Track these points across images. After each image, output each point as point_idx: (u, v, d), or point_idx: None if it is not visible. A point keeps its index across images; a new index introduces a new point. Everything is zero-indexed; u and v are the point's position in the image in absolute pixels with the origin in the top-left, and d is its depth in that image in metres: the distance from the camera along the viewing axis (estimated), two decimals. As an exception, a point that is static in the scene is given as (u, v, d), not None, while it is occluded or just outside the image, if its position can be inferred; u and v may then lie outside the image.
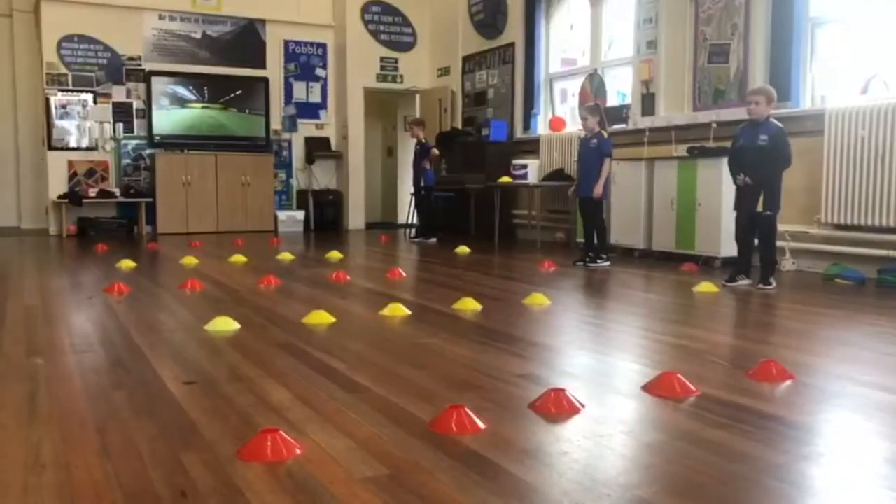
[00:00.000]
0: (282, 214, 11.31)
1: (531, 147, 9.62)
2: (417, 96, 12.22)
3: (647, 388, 2.73)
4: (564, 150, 9.00)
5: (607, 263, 6.70)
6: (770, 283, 5.32)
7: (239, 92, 11.22)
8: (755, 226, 5.42)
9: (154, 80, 10.73)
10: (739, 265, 5.53)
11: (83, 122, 10.52)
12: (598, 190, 6.64)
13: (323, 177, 11.83)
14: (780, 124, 5.35)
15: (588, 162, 6.76)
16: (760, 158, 5.28)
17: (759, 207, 5.30)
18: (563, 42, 9.72)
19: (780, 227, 6.50)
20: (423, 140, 9.85)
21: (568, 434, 2.29)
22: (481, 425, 2.28)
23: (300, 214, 11.41)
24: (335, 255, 7.50)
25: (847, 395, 2.80)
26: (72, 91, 10.43)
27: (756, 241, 5.50)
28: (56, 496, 1.82)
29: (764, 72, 6.76)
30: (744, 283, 5.43)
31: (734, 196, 5.58)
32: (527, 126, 9.95)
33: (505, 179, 8.96)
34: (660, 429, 2.37)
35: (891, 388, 2.84)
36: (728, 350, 3.56)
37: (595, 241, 6.80)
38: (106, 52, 10.56)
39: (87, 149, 10.56)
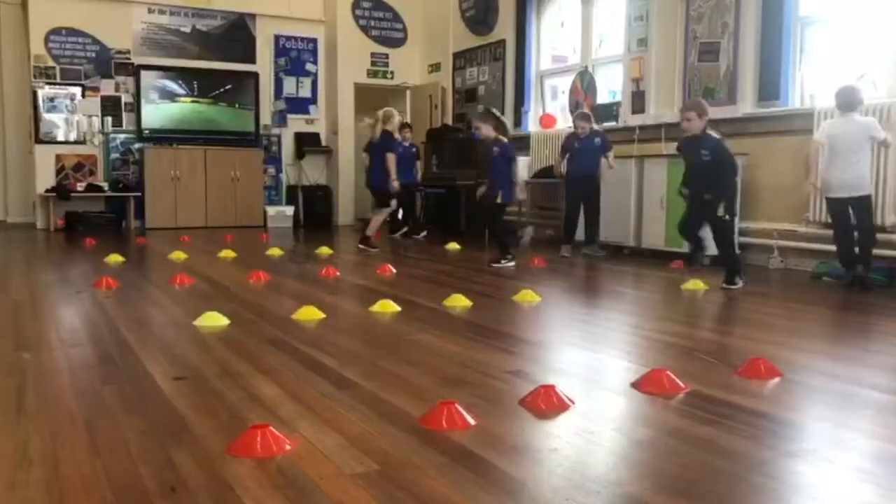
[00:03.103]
0: (271, 210, 11.27)
1: (521, 144, 9.59)
2: (408, 92, 12.20)
3: (636, 384, 2.74)
4: (555, 147, 9.00)
5: (512, 264, 6.44)
6: (736, 283, 5.22)
7: (229, 86, 11.16)
8: (726, 234, 5.38)
9: (143, 73, 10.66)
10: (730, 269, 5.32)
11: (71, 116, 10.45)
12: (519, 193, 6.72)
13: (313, 172, 11.80)
14: (717, 136, 5.29)
15: (497, 168, 6.59)
16: (708, 174, 5.24)
17: (722, 212, 5.24)
18: (554, 39, 9.72)
19: (769, 226, 6.57)
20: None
21: (557, 430, 2.30)
22: (471, 421, 2.28)
23: (290, 210, 11.38)
24: (325, 250, 7.49)
25: (834, 392, 2.83)
26: (60, 84, 10.35)
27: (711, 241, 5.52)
28: (44, 492, 1.81)
29: (753, 70, 6.79)
30: (741, 284, 5.27)
31: (689, 204, 5.47)
32: (517, 123, 9.94)
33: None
34: (649, 425, 2.38)
35: (877, 385, 2.86)
36: (717, 347, 3.58)
37: (498, 240, 6.69)
38: (94, 46, 10.48)
39: (75, 143, 10.49)
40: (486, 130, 6.58)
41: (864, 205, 5.29)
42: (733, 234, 5.48)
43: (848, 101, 5.27)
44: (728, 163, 5.27)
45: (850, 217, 5.31)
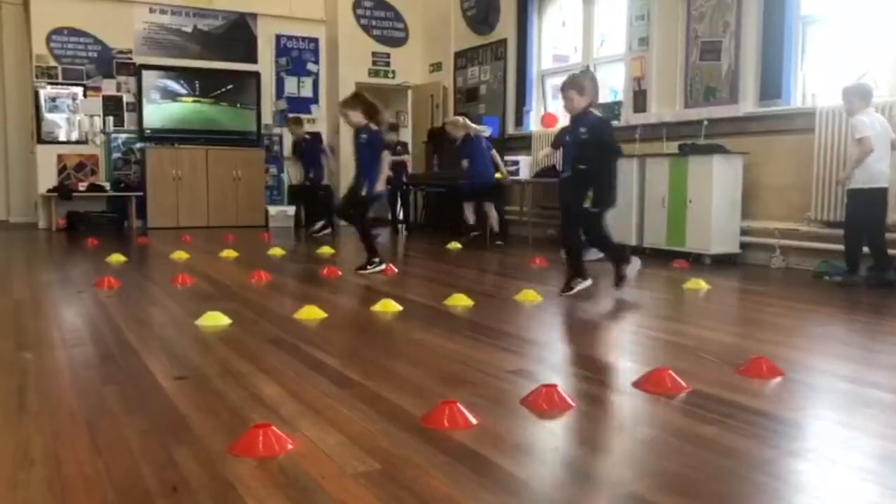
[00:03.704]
0: (273, 209, 11.28)
1: (523, 143, 9.62)
2: (409, 92, 12.20)
3: (638, 384, 2.74)
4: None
5: (381, 267, 5.89)
6: (570, 290, 4.78)
7: (230, 86, 11.17)
8: (579, 223, 4.88)
9: (145, 73, 10.67)
10: (573, 269, 4.90)
11: (73, 116, 10.46)
12: (379, 186, 5.92)
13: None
14: (600, 115, 4.92)
15: (362, 158, 6.00)
16: (584, 151, 4.74)
17: (589, 203, 4.69)
18: (556, 38, 9.72)
19: (771, 225, 6.56)
20: (306, 136, 9.92)
21: (560, 430, 2.30)
22: (473, 421, 2.28)
23: (291, 209, 11.37)
24: (326, 250, 7.49)
25: (835, 391, 2.82)
26: (61, 84, 10.36)
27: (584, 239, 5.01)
28: (46, 491, 1.81)
29: (755, 69, 6.78)
30: (583, 286, 4.82)
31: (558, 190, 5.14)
32: (519, 122, 9.94)
33: (497, 175, 8.96)
34: (651, 425, 2.38)
35: (879, 384, 2.86)
36: (718, 346, 3.57)
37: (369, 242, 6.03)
38: (96, 46, 10.49)
39: (77, 142, 10.50)
40: (355, 117, 5.90)
41: (885, 197, 5.31)
42: (601, 229, 4.84)
43: (870, 96, 5.29)
44: (608, 143, 4.78)
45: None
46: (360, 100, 6.03)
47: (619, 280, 4.94)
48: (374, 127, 5.94)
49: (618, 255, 4.99)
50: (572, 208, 4.82)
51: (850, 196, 5.42)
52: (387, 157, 5.99)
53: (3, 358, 3.18)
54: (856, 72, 6.07)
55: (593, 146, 4.73)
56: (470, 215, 8.54)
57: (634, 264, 4.97)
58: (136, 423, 2.30)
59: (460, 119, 8.84)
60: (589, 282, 4.87)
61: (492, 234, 8.51)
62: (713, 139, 6.87)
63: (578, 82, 4.85)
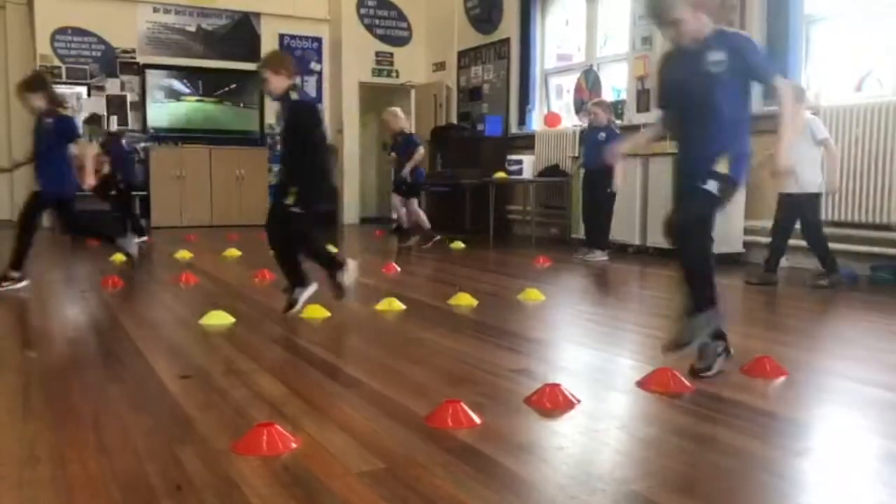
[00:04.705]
0: (276, 209, 11.28)
1: (526, 143, 9.61)
2: (413, 91, 12.20)
3: (641, 383, 2.74)
4: (558, 145, 9.00)
5: (19, 285, 4.91)
6: (295, 304, 3.99)
7: (233, 86, 11.18)
8: (284, 225, 4.06)
9: (148, 73, 10.69)
10: (290, 279, 4.08)
11: (77, 115, 10.47)
12: (89, 180, 5.25)
13: (317, 171, 11.80)
14: (297, 97, 4.10)
15: (45, 147, 5.31)
16: (287, 141, 4.17)
17: (292, 201, 3.97)
18: (559, 37, 9.72)
19: (771, 224, 6.52)
20: (108, 134, 8.22)
21: (563, 429, 2.30)
22: (477, 420, 2.28)
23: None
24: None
25: (840, 391, 2.82)
26: (65, 84, 10.36)
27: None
28: (51, 490, 1.82)
29: (759, 68, 6.76)
30: (308, 293, 4.05)
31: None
32: (522, 121, 9.94)
33: (500, 175, 8.96)
34: (654, 424, 2.38)
35: (884, 383, 2.85)
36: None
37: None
38: (100, 45, 10.51)
39: (81, 142, 10.51)
40: (36, 101, 5.09)
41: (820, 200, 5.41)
42: (308, 238, 4.15)
43: (804, 95, 5.26)
44: (302, 132, 4.00)
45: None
46: (41, 80, 5.28)
47: (337, 291, 4.15)
48: (61, 112, 5.17)
49: (328, 262, 4.20)
50: (276, 208, 4.10)
51: (808, 200, 5.31)
52: (77, 149, 5.13)
53: (8, 357, 3.19)
54: (859, 71, 6.07)
55: (291, 136, 4.08)
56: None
57: (351, 270, 4.19)
58: (141, 422, 2.31)
59: (399, 110, 8.09)
60: (313, 287, 4.06)
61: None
62: (717, 138, 6.84)
63: (274, 61, 4.13)
